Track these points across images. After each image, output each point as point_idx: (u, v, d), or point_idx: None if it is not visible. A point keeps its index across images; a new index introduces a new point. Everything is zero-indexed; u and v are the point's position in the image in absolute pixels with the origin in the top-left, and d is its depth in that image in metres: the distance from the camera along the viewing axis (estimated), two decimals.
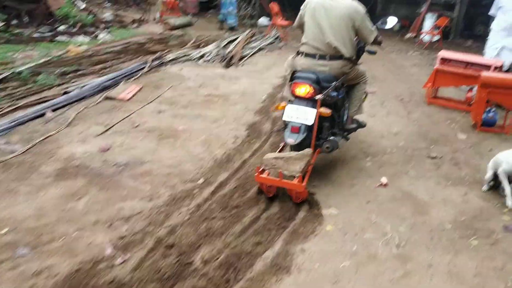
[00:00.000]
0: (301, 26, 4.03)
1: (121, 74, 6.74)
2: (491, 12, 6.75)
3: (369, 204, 3.64)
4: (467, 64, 6.59)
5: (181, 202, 3.45)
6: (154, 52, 8.46)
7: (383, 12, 18.34)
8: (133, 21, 12.30)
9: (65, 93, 5.78)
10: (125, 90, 6.11)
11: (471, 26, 15.87)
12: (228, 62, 8.22)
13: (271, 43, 10.85)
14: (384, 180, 4.01)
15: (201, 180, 3.82)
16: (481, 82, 5.55)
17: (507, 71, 6.60)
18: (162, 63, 7.81)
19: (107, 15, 12.24)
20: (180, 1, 14.25)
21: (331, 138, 3.83)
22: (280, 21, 11.60)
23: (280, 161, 3.41)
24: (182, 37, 10.56)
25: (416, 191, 3.93)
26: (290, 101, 3.70)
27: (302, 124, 3.52)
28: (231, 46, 9.39)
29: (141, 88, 6.29)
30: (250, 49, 9.68)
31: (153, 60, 7.68)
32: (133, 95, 5.99)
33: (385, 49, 11.44)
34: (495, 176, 3.93)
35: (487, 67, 6.36)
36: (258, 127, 5.21)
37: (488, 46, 6.93)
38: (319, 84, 3.62)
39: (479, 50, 12.87)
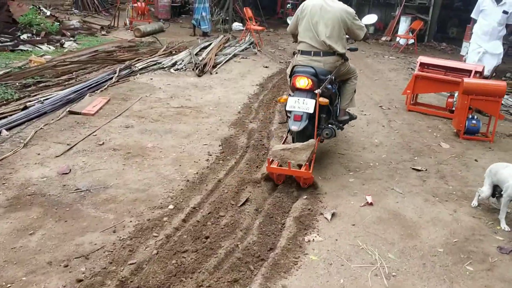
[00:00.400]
0: (295, 29, 4.34)
1: (87, 86, 6.33)
2: (473, 15, 6.60)
3: (355, 227, 3.37)
4: (447, 70, 6.43)
5: (148, 233, 3.10)
6: (123, 61, 8.05)
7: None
8: (102, 28, 11.83)
9: (24, 108, 5.35)
10: (91, 104, 5.70)
11: (444, 28, 15.96)
12: (201, 70, 7.89)
13: (245, 49, 10.56)
14: (369, 199, 3.75)
15: (171, 206, 3.48)
16: (463, 88, 5.37)
17: (488, 77, 6.46)
18: (131, 72, 7.41)
19: (74, 22, 11.72)
20: (151, 6, 13.87)
21: (329, 126, 4.21)
22: (254, 26, 11.33)
23: (287, 152, 3.73)
24: (153, 44, 10.17)
25: (404, 209, 3.68)
26: (290, 95, 4.06)
27: (304, 112, 3.86)
28: (204, 53, 9.06)
29: (108, 101, 5.90)
30: (224, 55, 9.37)
31: (121, 70, 7.28)
32: (99, 109, 5.60)
33: (360, 53, 11.31)
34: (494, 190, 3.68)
35: (467, 72, 6.21)
36: (234, 142, 4.89)
37: (470, 50, 6.79)
38: (316, 77, 3.94)
39: (454, 53, 12.93)
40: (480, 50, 6.44)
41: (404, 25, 13.23)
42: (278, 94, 6.91)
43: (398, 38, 12.76)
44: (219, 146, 4.75)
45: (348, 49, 4.43)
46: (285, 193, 3.74)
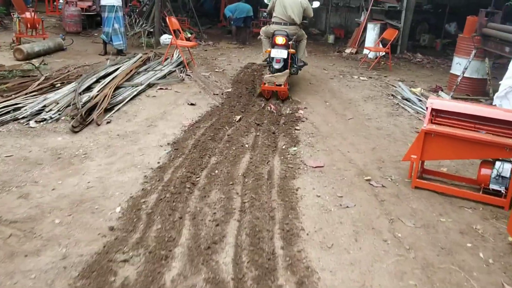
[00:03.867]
0: (272, 10, 6.89)
1: None
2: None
3: None
4: (474, 119, 3.86)
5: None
6: None
7: (313, 21, 15.89)
8: None
9: None
10: None
11: (412, 35, 13.71)
12: (82, 119, 4.99)
13: (169, 73, 7.71)
14: None
15: None
16: None
17: None
18: None
19: None
20: (55, 17, 10.74)
21: (294, 66, 6.83)
22: (182, 41, 8.51)
23: (273, 78, 6.30)
24: (32, 72, 7.11)
25: None
26: (270, 50, 6.46)
27: (282, 57, 6.33)
28: (98, 86, 6.13)
29: None
30: (133, 87, 6.50)
31: None
32: None
33: (322, 73, 8.72)
34: None
35: (509, 124, 3.68)
36: None
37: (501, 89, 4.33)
38: (288, 37, 6.41)
39: (435, 67, 10.63)
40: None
41: (372, 34, 10.78)
42: (201, 164, 4.14)
43: (367, 51, 10.27)
44: None
45: (303, 21, 6.97)
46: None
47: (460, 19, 15.07)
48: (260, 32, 7.23)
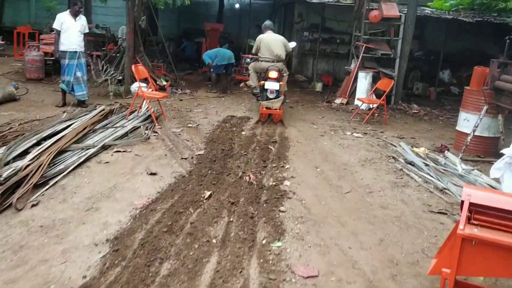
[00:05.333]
0: (257, 51, 8.16)
1: None
2: None
3: None
4: None
5: None
6: None
7: (299, 67, 15.14)
8: None
9: None
10: None
11: (404, 83, 12.90)
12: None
13: (133, 129, 6.58)
14: None
15: None
16: None
17: None
18: None
19: None
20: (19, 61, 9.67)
21: (282, 97, 7.78)
22: (150, 92, 7.44)
23: (270, 103, 7.46)
24: None
25: None
26: (264, 82, 7.60)
27: (275, 89, 7.48)
28: (34, 151, 4.93)
29: None
30: (83, 150, 5.32)
31: None
32: None
33: (311, 128, 7.69)
34: None
35: None
36: None
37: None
38: (279, 72, 7.58)
39: (433, 119, 9.68)
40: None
41: (364, 83, 9.87)
42: (146, 277, 2.92)
43: (359, 103, 9.30)
44: None
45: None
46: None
47: (453, 67, 14.47)
48: (249, 67, 8.70)
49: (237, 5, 19.24)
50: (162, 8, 11.44)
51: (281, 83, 7.60)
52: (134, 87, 9.84)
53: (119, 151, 5.61)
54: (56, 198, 4.11)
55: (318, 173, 5.45)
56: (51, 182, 4.39)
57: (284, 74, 8.19)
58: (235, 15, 19.63)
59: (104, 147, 5.64)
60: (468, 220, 2.80)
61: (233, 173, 5.13)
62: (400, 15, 9.99)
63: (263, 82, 7.64)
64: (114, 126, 6.57)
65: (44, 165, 4.55)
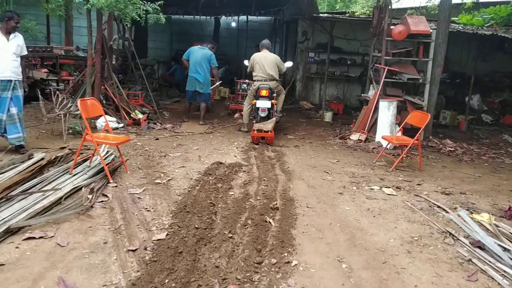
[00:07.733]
0: (251, 70, 8.25)
1: None
2: None
3: None
4: None
5: None
6: None
7: (304, 93, 13.25)
8: None
9: None
10: None
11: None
12: None
13: (72, 191, 4.58)
14: None
15: None
16: None
17: None
18: None
19: None
20: None
21: (276, 115, 8.04)
22: (103, 135, 5.46)
23: (261, 125, 7.39)
24: None
25: None
26: (255, 101, 7.86)
27: (266, 107, 7.68)
28: None
29: None
30: None
31: None
32: None
33: (324, 180, 5.69)
34: None
35: None
36: None
37: None
38: (270, 90, 7.85)
39: (476, 161, 7.66)
40: None
41: (387, 114, 7.88)
42: None
43: (384, 142, 7.27)
44: None
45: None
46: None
47: (483, 90, 12.51)
48: (245, 103, 8.62)
49: (233, 24, 17.47)
50: (149, 24, 9.59)
51: (273, 101, 7.87)
52: (101, 122, 7.91)
53: (33, 238, 3.60)
54: None
55: (345, 274, 3.39)
56: None
57: (281, 93, 8.42)
58: (233, 36, 17.90)
59: (9, 231, 3.62)
60: None
61: (205, 285, 3.08)
62: (431, 32, 8.06)
63: (254, 101, 7.90)
64: (42, 189, 4.56)
65: None
